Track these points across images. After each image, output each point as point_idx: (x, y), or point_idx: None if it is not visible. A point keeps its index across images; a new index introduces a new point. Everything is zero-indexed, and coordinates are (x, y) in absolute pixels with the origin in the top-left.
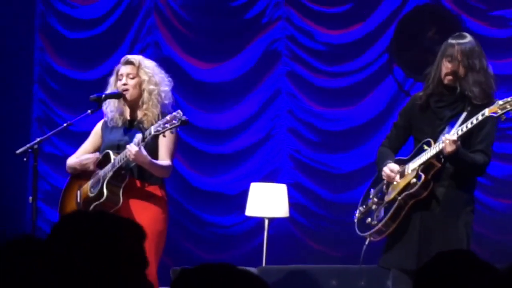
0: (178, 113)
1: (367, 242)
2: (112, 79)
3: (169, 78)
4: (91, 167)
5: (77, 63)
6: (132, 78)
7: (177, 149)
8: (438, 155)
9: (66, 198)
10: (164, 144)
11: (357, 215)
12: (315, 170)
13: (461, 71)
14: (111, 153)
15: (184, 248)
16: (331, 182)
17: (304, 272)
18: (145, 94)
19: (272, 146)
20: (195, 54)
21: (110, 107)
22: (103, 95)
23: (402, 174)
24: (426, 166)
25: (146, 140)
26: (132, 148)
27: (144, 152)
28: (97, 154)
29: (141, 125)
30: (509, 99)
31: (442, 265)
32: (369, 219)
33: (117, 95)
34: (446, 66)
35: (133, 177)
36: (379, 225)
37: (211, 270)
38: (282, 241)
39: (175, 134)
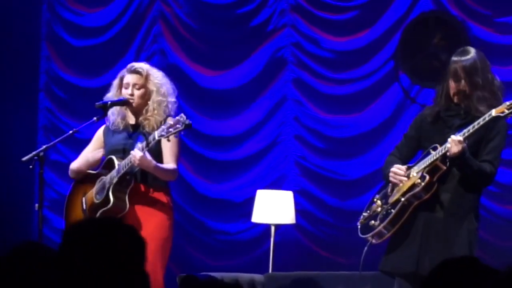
0: (182, 117)
1: (368, 245)
2: (115, 83)
3: (174, 87)
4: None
5: (82, 71)
6: (139, 89)
7: (182, 154)
8: (444, 157)
9: (71, 205)
10: (168, 148)
11: (360, 220)
12: (321, 177)
13: (467, 89)
14: (114, 158)
15: (191, 255)
16: (337, 189)
17: (311, 278)
18: (152, 104)
19: (278, 153)
20: (201, 62)
21: (112, 111)
22: (109, 103)
23: (407, 177)
24: (431, 169)
25: (150, 145)
26: (137, 154)
27: (149, 157)
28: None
29: (143, 130)
30: None
31: (448, 272)
32: (372, 222)
33: (123, 102)
34: (452, 86)
35: (137, 182)
36: (381, 227)
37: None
38: (288, 248)
39: (178, 138)
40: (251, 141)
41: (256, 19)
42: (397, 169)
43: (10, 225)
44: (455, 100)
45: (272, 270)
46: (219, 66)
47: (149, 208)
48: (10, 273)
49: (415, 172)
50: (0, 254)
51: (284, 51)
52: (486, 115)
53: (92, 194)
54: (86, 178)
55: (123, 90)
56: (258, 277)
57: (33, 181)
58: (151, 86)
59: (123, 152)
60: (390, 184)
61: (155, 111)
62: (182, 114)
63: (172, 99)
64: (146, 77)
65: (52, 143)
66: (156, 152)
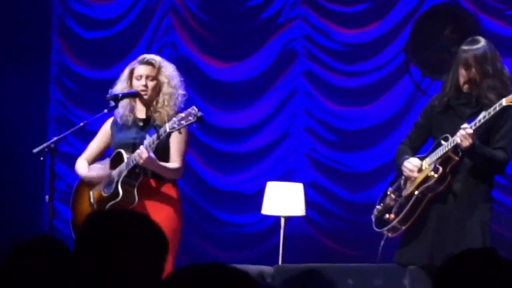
0: (193, 109)
1: (384, 238)
2: (124, 76)
3: (182, 80)
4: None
5: (93, 63)
6: (152, 80)
7: (191, 148)
8: (456, 148)
9: (78, 198)
10: (176, 145)
11: (375, 213)
12: (331, 169)
13: (477, 77)
14: (123, 152)
15: (200, 247)
16: (347, 181)
17: (320, 271)
18: (163, 96)
19: (288, 145)
20: (212, 54)
21: (120, 103)
22: (120, 95)
23: (419, 169)
24: (443, 160)
25: (161, 138)
26: (142, 154)
27: (153, 156)
28: (105, 173)
29: (154, 124)
30: None
31: (464, 262)
32: (386, 215)
33: (134, 95)
34: (463, 74)
35: (146, 175)
36: (396, 220)
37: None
38: (298, 240)
39: (186, 134)
40: (261, 133)
41: (266, 11)
42: (411, 165)
43: (21, 216)
44: (465, 88)
45: (282, 262)
46: (230, 58)
47: (157, 200)
48: (21, 267)
49: (427, 164)
50: (11, 246)
51: (295, 43)
52: (497, 105)
53: (99, 187)
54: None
55: (135, 82)
56: (267, 269)
57: (44, 173)
58: (163, 78)
59: (133, 147)
60: (403, 176)
61: (166, 103)
62: (194, 107)
63: (181, 91)
64: (159, 69)
65: (62, 135)
66: (163, 148)
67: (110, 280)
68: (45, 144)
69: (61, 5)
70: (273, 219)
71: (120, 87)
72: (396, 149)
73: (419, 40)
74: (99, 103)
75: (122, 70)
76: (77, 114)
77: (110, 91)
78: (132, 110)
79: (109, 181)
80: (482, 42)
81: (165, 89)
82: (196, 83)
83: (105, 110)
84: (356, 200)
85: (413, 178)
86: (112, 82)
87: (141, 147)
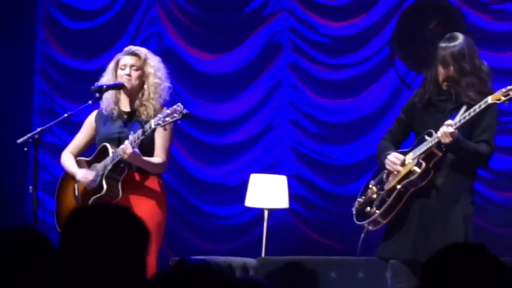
0: (179, 106)
1: (364, 231)
2: (110, 68)
3: (168, 73)
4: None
5: (78, 53)
6: (136, 70)
7: (176, 139)
8: (439, 144)
9: (63, 191)
10: (161, 140)
11: (356, 205)
12: (316, 162)
13: (455, 75)
14: (108, 146)
15: (184, 238)
16: (331, 174)
17: (303, 263)
18: (149, 88)
19: (273, 138)
20: (197, 45)
21: (105, 95)
22: (105, 86)
23: (402, 164)
24: (427, 155)
25: (146, 133)
26: (126, 149)
27: (138, 152)
28: (89, 179)
29: (140, 119)
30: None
31: (449, 257)
32: (368, 208)
33: (119, 87)
34: (441, 72)
35: (131, 169)
36: (377, 214)
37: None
38: (281, 232)
39: (171, 130)
40: (246, 125)
41: (252, 3)
42: (394, 158)
43: (4, 207)
44: (444, 86)
45: (265, 254)
46: (215, 49)
47: (142, 194)
48: (4, 257)
49: (410, 158)
50: None
51: (280, 35)
52: (482, 103)
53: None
54: (77, 164)
55: (119, 72)
56: (251, 261)
57: (28, 163)
58: (149, 69)
59: (118, 141)
60: (385, 170)
61: (151, 96)
62: (179, 104)
63: (166, 84)
64: (144, 60)
65: (47, 125)
66: (148, 143)
67: (99, 277)
68: (29, 135)
69: None
70: (256, 211)
71: (106, 79)
72: (378, 145)
73: (405, 33)
74: (84, 93)
75: (107, 61)
76: (61, 105)
77: (96, 83)
78: (117, 102)
79: (95, 175)
80: (460, 38)
81: (151, 80)
82: (181, 74)
83: (90, 102)
84: (341, 193)
85: (395, 172)
86: (98, 73)
87: (126, 142)
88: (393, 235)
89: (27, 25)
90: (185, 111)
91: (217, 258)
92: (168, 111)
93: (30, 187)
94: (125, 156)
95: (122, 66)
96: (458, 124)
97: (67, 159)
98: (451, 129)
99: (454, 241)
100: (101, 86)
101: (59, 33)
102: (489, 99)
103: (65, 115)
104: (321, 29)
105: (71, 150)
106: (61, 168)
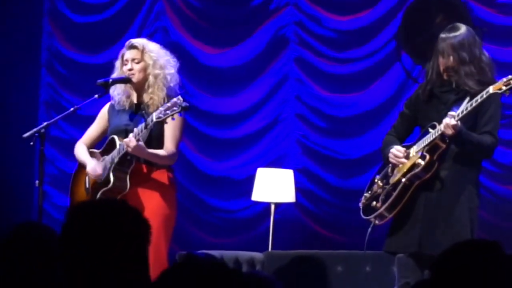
0: (179, 99)
1: (371, 226)
2: (118, 63)
3: (175, 59)
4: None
5: (85, 47)
6: (138, 63)
7: (184, 134)
8: (443, 136)
9: (76, 184)
10: (170, 131)
11: (362, 200)
12: (322, 156)
13: (455, 65)
14: (116, 138)
15: (190, 233)
16: (338, 168)
17: (310, 257)
18: (151, 78)
19: (279, 132)
20: (203, 40)
21: (117, 90)
22: (110, 80)
23: (407, 157)
24: (431, 147)
25: (149, 127)
26: (130, 142)
27: (142, 144)
28: (97, 172)
29: (144, 111)
30: None
31: (461, 254)
32: (374, 203)
33: (124, 80)
34: (442, 62)
35: (139, 162)
36: (383, 208)
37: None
38: (288, 226)
39: (181, 120)
40: (252, 119)
41: None
42: (397, 151)
43: (11, 201)
44: (445, 76)
45: (272, 248)
46: (221, 44)
47: (152, 186)
48: (10, 253)
49: (414, 151)
50: (1, 230)
51: (286, 29)
52: (484, 93)
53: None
54: (91, 156)
55: (124, 67)
56: (258, 255)
57: (34, 157)
58: (148, 59)
59: (126, 133)
60: (390, 164)
61: (156, 86)
62: (180, 96)
63: (170, 70)
64: (143, 51)
65: (53, 120)
66: (157, 134)
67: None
68: (35, 129)
69: None
70: (263, 205)
71: (115, 74)
72: (383, 140)
73: (411, 27)
74: (91, 87)
75: (114, 55)
76: (68, 99)
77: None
78: (129, 96)
79: (103, 167)
80: (461, 29)
81: (151, 70)
82: (187, 68)
83: (96, 96)
84: (347, 187)
85: (400, 166)
86: (104, 66)
87: (130, 135)
88: (399, 229)
89: (33, 19)
90: (184, 104)
91: (224, 253)
92: (169, 104)
93: (37, 182)
94: (129, 149)
95: (125, 61)
96: (460, 115)
97: (80, 148)
98: (453, 121)
99: (459, 234)
100: (107, 80)
101: (65, 27)
102: (490, 89)
103: (71, 109)
104: (327, 23)
105: (85, 141)
106: (68, 162)
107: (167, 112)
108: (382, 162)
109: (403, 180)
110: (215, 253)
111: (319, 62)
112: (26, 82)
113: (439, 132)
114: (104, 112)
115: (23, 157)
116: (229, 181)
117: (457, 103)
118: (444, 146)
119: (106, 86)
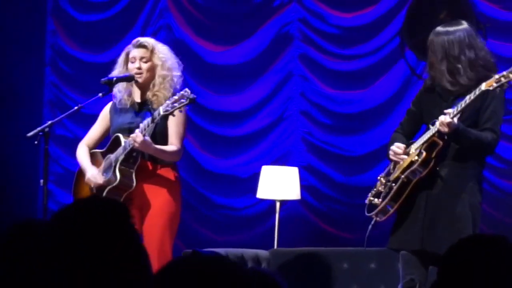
0: (186, 91)
1: (372, 222)
2: (121, 60)
3: (179, 61)
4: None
5: (88, 45)
6: (146, 62)
7: (187, 131)
8: (440, 133)
9: (79, 183)
10: (173, 128)
11: (368, 198)
12: (327, 153)
13: (434, 61)
14: (121, 136)
15: (195, 231)
16: (343, 165)
17: (315, 254)
18: (158, 79)
19: (284, 129)
20: (207, 37)
21: (118, 88)
22: (115, 79)
23: (407, 154)
24: (429, 145)
25: (156, 121)
26: (137, 138)
27: (149, 140)
28: (98, 182)
29: (150, 106)
30: (504, 72)
31: (467, 249)
32: (375, 200)
33: (128, 78)
34: (429, 56)
35: (144, 159)
36: (383, 204)
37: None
38: (293, 224)
39: (184, 116)
40: (257, 117)
41: None
42: (396, 148)
43: (16, 200)
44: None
45: (277, 245)
46: (225, 41)
47: (157, 184)
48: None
49: (413, 148)
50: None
51: (290, 26)
52: (476, 90)
53: (99, 171)
54: (92, 157)
55: (130, 65)
56: (263, 253)
57: (39, 156)
58: (156, 60)
59: (129, 131)
60: (392, 162)
61: (162, 86)
62: (187, 89)
63: (177, 73)
64: (152, 51)
65: (57, 118)
66: (161, 130)
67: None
68: (39, 128)
69: None
70: (268, 203)
71: (117, 71)
72: (391, 136)
73: (415, 23)
74: (95, 86)
75: (117, 53)
76: (72, 97)
77: (108, 76)
78: (130, 94)
79: (108, 166)
80: (457, 27)
81: (159, 71)
82: (191, 66)
83: (100, 94)
84: (352, 184)
85: (401, 163)
86: (108, 65)
87: (136, 130)
88: (401, 227)
89: (37, 18)
90: (192, 96)
91: (229, 250)
92: (176, 97)
93: (41, 181)
94: (136, 145)
95: (132, 59)
96: (455, 113)
97: (82, 153)
98: (448, 118)
99: (460, 231)
100: (111, 79)
101: (69, 25)
102: (483, 86)
103: (75, 108)
104: (331, 20)
105: (87, 142)
106: (72, 161)
107: (175, 104)
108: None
109: (402, 177)
110: (221, 250)
111: (324, 59)
112: (30, 81)
113: (435, 129)
114: (105, 112)
115: (27, 156)
116: (234, 179)
117: (458, 100)
118: (441, 143)
119: (110, 85)
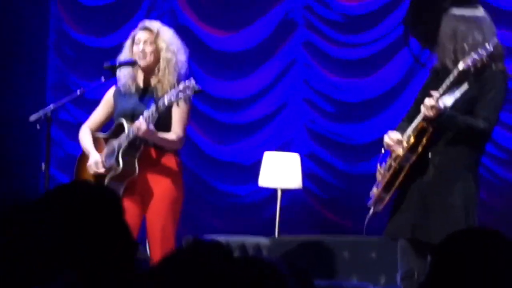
0: (191, 82)
1: (370, 212)
2: (128, 43)
3: (185, 47)
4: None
5: (92, 30)
6: (150, 45)
7: (191, 119)
8: (427, 117)
9: (81, 169)
10: (178, 115)
11: (373, 190)
12: (330, 141)
13: (442, 38)
14: (124, 122)
15: (197, 217)
16: (345, 153)
17: (317, 243)
18: (162, 63)
19: (287, 116)
20: (211, 23)
21: (123, 72)
22: (118, 64)
23: (399, 142)
24: (418, 130)
25: (160, 110)
26: (141, 126)
27: (152, 128)
28: (99, 170)
29: (153, 94)
30: (479, 50)
31: (457, 242)
32: (374, 189)
33: (132, 63)
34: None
35: (147, 145)
36: (377, 193)
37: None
38: (295, 212)
39: (188, 104)
40: (260, 104)
41: None
42: (388, 136)
43: (17, 184)
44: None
45: (278, 234)
46: (229, 27)
47: (159, 170)
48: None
49: (405, 135)
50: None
51: (295, 13)
52: (455, 70)
53: (102, 157)
54: (95, 141)
55: (134, 47)
56: (264, 240)
57: (42, 140)
58: (161, 43)
59: (132, 117)
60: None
61: (166, 70)
62: (192, 79)
63: (181, 57)
64: (157, 34)
65: (59, 102)
66: (165, 116)
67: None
68: (41, 112)
69: None
70: (270, 191)
71: (123, 55)
72: (398, 125)
73: (419, 11)
74: (98, 71)
75: (121, 38)
76: (75, 82)
77: (113, 60)
78: (134, 79)
79: (111, 152)
80: (474, 10)
81: (163, 54)
82: (195, 52)
83: (102, 78)
84: (354, 172)
85: (396, 152)
86: (111, 49)
87: (140, 118)
88: (394, 215)
89: (41, 2)
90: (197, 87)
91: (230, 237)
92: (181, 87)
93: (43, 164)
94: (140, 133)
95: (137, 41)
96: (439, 94)
97: (85, 135)
98: (432, 101)
99: (453, 220)
100: (114, 63)
101: (73, 9)
102: (460, 66)
103: (78, 92)
104: (336, 7)
105: (90, 125)
106: (75, 145)
107: (180, 95)
108: None
109: (393, 164)
110: (222, 237)
111: (328, 46)
112: (34, 65)
113: (423, 114)
114: (109, 95)
115: (30, 140)
116: (236, 166)
117: (454, 86)
118: (430, 129)
119: (113, 69)
